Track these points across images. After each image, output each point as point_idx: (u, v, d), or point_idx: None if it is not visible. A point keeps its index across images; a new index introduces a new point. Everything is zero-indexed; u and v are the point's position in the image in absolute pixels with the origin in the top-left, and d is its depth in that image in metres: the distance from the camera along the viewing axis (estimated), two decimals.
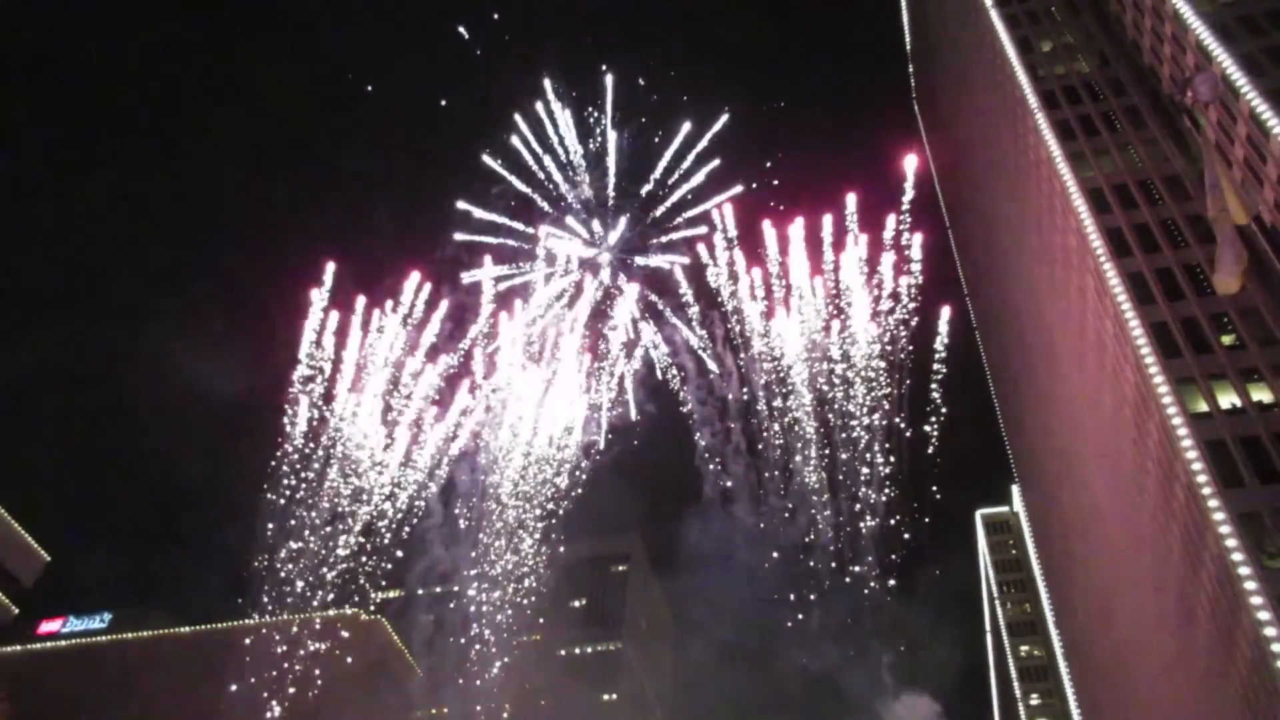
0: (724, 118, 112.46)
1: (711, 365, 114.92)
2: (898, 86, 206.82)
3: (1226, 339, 59.04)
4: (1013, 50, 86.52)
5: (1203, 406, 55.82)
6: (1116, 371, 65.17)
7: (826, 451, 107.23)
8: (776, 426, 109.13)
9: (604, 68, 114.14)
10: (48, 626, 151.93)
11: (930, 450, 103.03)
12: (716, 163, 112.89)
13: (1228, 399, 56.10)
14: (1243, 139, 60.06)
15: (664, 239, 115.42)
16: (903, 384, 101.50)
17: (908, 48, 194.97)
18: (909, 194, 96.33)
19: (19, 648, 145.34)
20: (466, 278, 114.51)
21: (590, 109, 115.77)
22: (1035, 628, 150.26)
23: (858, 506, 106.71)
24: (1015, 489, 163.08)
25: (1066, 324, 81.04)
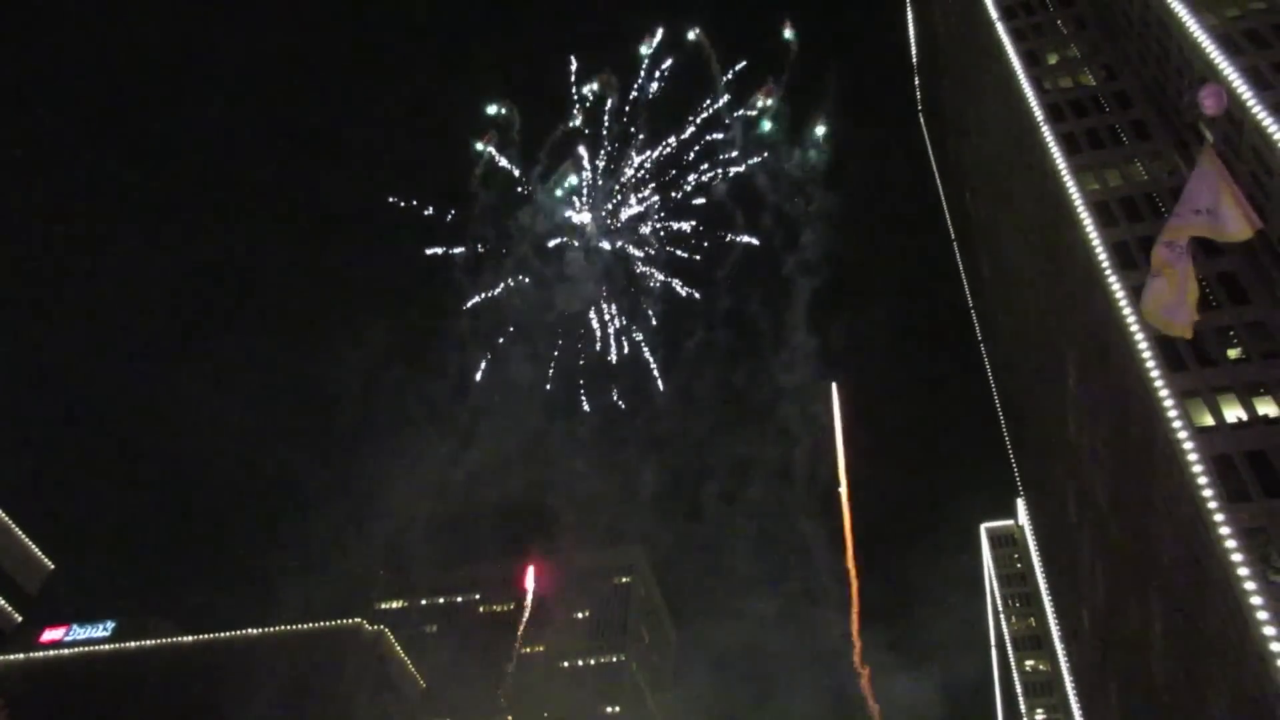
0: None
1: None
2: (903, 98, 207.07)
3: (1232, 352, 58.81)
4: (1018, 63, 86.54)
5: (1208, 420, 55.57)
6: (1121, 385, 64.92)
7: None
8: None
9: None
10: (51, 634, 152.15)
11: None
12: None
13: (1233, 413, 55.84)
14: (1248, 153, 59.92)
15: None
16: None
17: (914, 60, 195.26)
18: None
19: (21, 656, 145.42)
20: None
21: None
22: (1040, 642, 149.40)
23: None
24: (1020, 502, 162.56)
25: (1072, 337, 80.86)
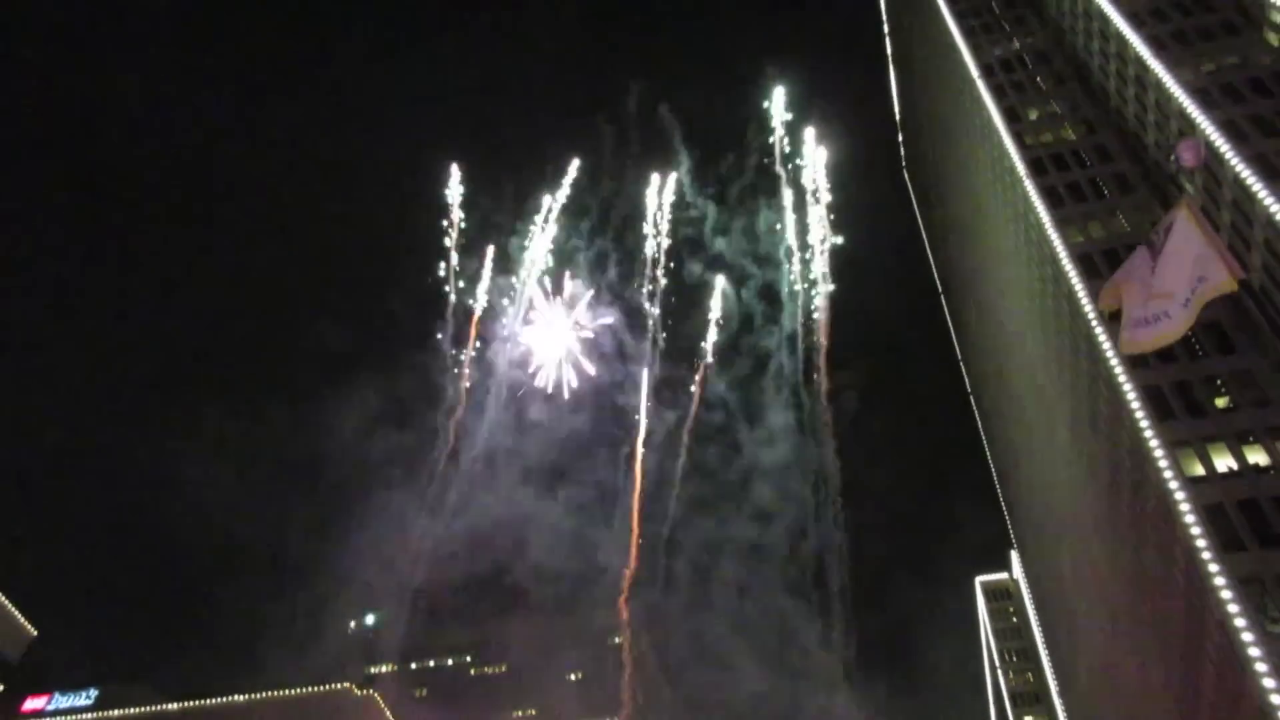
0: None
1: None
2: (888, 153, 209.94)
3: (1220, 402, 59.00)
4: (1000, 119, 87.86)
5: (1199, 470, 55.54)
6: (1111, 435, 64.99)
7: None
8: None
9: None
10: (33, 704, 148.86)
11: None
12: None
13: (1224, 462, 55.84)
14: (1228, 204, 60.72)
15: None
16: None
17: (897, 117, 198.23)
18: None
19: None
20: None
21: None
22: (1039, 697, 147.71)
23: None
24: (1014, 555, 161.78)
25: (1060, 388, 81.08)
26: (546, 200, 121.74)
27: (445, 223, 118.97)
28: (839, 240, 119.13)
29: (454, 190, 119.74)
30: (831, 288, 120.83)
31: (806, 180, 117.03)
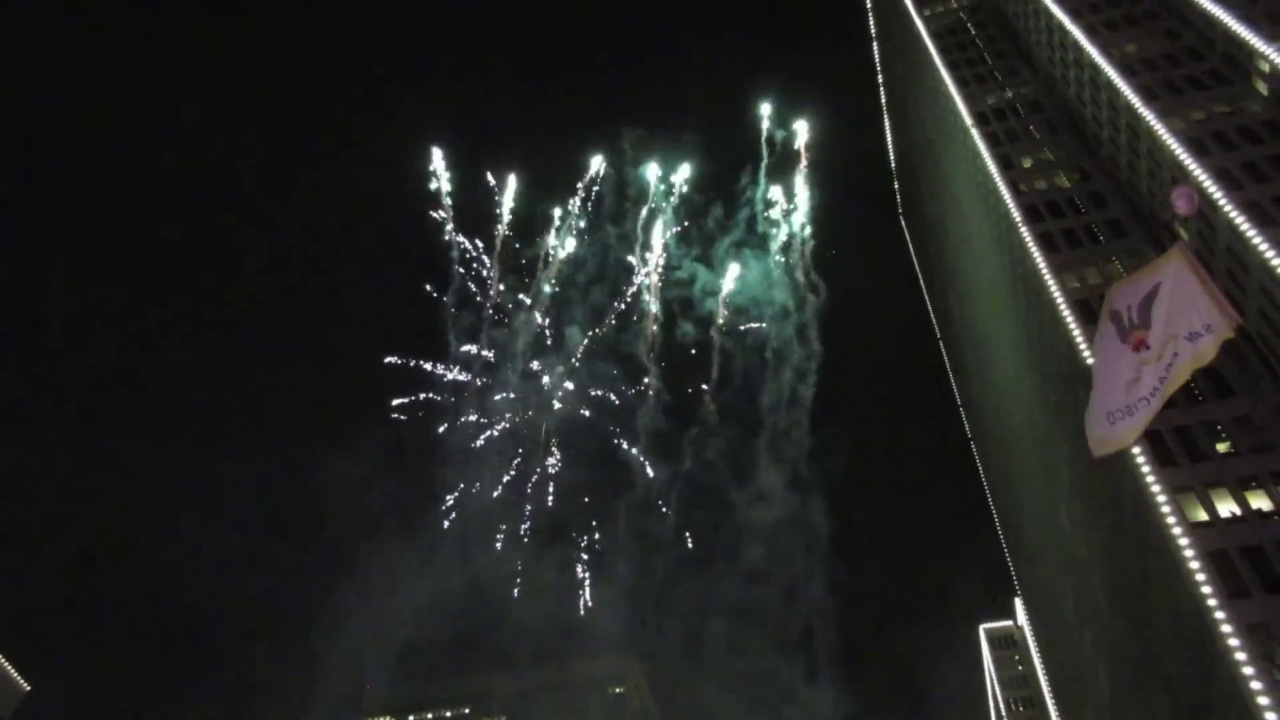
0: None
1: None
2: (884, 199, 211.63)
3: (1221, 447, 58.87)
4: (994, 166, 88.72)
5: (1202, 515, 55.23)
6: (1113, 481, 64.76)
7: None
8: None
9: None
10: None
11: None
12: None
13: (1227, 507, 55.56)
14: (1223, 250, 61.09)
15: None
16: None
17: (892, 164, 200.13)
18: None
19: None
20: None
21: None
22: None
23: None
24: (1019, 601, 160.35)
25: (1061, 434, 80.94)
26: (545, 243, 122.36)
27: (446, 226, 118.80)
28: (823, 295, 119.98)
29: (441, 179, 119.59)
30: (820, 349, 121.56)
31: (797, 230, 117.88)
